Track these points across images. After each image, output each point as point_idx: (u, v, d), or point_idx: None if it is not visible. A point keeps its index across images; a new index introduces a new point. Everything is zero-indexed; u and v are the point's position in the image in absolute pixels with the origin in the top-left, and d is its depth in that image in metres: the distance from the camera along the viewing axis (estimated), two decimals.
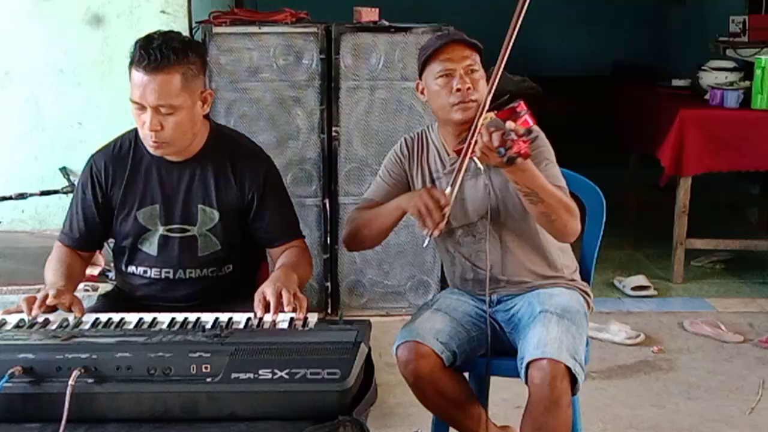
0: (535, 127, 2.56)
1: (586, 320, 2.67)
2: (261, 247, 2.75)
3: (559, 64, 8.66)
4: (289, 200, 2.76)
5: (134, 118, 2.48)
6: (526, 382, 2.44)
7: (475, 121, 2.49)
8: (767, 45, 5.35)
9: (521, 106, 2.47)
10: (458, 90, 2.58)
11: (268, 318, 2.27)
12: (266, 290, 2.35)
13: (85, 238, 2.66)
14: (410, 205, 2.51)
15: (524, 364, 2.43)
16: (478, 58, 2.64)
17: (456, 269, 2.79)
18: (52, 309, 2.33)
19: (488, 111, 2.55)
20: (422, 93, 2.71)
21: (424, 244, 2.59)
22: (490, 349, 2.67)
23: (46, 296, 2.33)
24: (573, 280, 2.77)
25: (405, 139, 2.81)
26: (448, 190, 2.49)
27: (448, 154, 2.70)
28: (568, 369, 2.39)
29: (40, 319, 2.27)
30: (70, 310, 2.33)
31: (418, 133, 2.81)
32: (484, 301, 2.72)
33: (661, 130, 4.97)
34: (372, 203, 2.74)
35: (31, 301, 2.32)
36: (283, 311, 2.28)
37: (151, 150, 2.52)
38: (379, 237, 2.71)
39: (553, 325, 2.49)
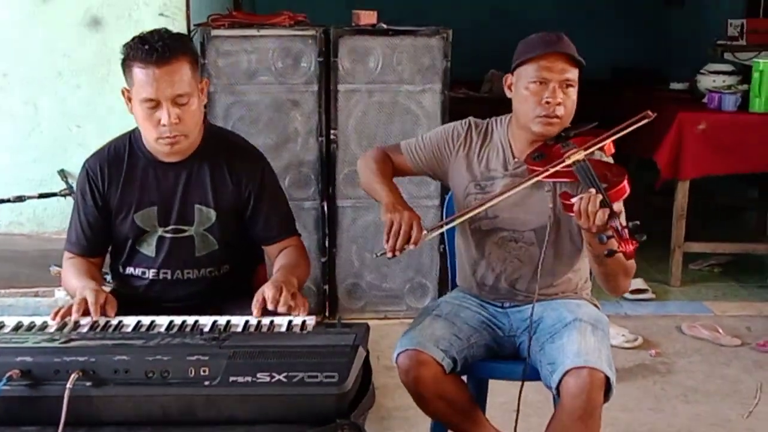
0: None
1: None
2: (258, 245, 2.76)
3: None
4: (285, 198, 2.76)
5: (142, 120, 2.46)
6: (557, 389, 2.40)
7: (566, 155, 2.46)
8: (765, 48, 5.36)
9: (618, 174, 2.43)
10: (547, 102, 2.53)
11: (264, 320, 2.29)
12: (266, 290, 2.37)
13: (92, 243, 2.65)
14: (386, 213, 2.49)
15: (561, 371, 2.38)
16: (576, 73, 2.58)
17: (477, 273, 2.75)
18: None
19: (572, 137, 2.54)
20: (509, 88, 2.65)
21: (374, 255, 2.53)
22: (492, 354, 2.68)
23: (84, 300, 2.34)
24: (587, 296, 2.78)
25: (471, 123, 2.73)
26: (425, 233, 2.45)
27: (514, 157, 2.65)
28: (606, 378, 2.37)
29: (39, 321, 2.27)
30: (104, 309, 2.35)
31: (484, 123, 2.74)
32: (495, 306, 2.73)
33: (659, 134, 4.97)
34: (397, 157, 2.75)
35: (66, 313, 2.32)
36: (280, 311, 2.31)
37: (165, 149, 2.51)
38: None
39: (589, 334, 2.47)
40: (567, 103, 2.56)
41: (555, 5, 8.82)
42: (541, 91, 2.54)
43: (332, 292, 4.47)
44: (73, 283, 2.56)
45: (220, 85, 4.18)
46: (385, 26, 4.32)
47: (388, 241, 2.43)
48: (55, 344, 2.03)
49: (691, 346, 4.23)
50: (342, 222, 4.41)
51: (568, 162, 2.44)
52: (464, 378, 2.68)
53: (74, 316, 2.30)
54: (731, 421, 3.51)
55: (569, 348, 2.42)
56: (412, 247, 2.43)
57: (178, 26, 4.32)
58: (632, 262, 2.47)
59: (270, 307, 2.32)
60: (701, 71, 5.38)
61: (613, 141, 2.55)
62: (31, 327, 2.25)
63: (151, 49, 2.40)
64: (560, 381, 2.39)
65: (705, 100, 5.15)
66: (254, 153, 2.72)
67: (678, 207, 4.97)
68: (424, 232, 2.45)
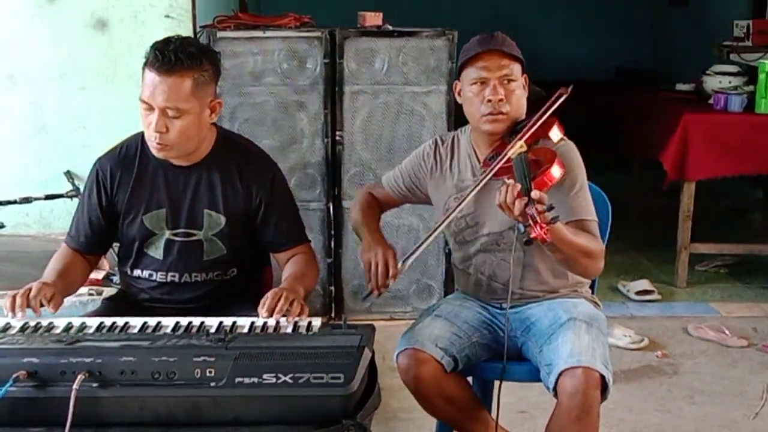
0: (567, 143, 2.58)
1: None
2: (266, 251, 2.76)
3: (562, 68, 8.67)
4: (295, 205, 2.77)
5: (141, 118, 2.49)
6: (554, 389, 2.40)
7: (505, 151, 2.48)
8: None
9: (550, 156, 2.41)
10: (489, 101, 2.56)
11: (270, 322, 2.30)
12: (269, 296, 2.39)
13: (90, 241, 2.67)
14: (363, 255, 2.61)
15: (556, 372, 2.39)
16: (518, 68, 2.60)
17: (471, 276, 2.76)
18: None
19: (518, 131, 2.53)
20: (458, 95, 2.69)
21: (362, 297, 2.62)
22: (494, 355, 2.68)
23: (29, 290, 2.38)
24: (586, 293, 2.77)
25: (437, 142, 2.78)
26: (401, 264, 2.53)
27: (479, 162, 2.67)
28: (602, 377, 2.37)
29: (45, 323, 2.28)
30: (48, 304, 2.39)
31: (450, 137, 2.78)
32: (494, 307, 2.72)
33: (665, 135, 4.97)
34: (381, 192, 2.86)
35: (13, 301, 2.36)
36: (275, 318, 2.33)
37: (153, 151, 2.53)
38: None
39: (584, 333, 2.47)
40: (511, 98, 2.58)
41: (558, 6, 8.83)
42: (482, 91, 2.58)
43: (338, 293, 4.47)
44: (45, 271, 2.59)
45: (226, 86, 4.18)
46: (390, 28, 4.33)
47: (368, 279, 2.55)
48: (62, 345, 2.04)
49: (697, 348, 4.23)
50: (348, 223, 4.40)
51: (509, 156, 2.46)
52: (470, 379, 2.68)
53: (18, 301, 2.35)
54: (738, 423, 3.50)
55: (563, 348, 2.43)
56: (392, 281, 2.55)
57: (184, 28, 4.33)
58: (595, 243, 2.50)
59: (264, 315, 2.33)
60: (707, 72, 5.38)
61: (559, 124, 2.55)
62: (37, 328, 2.25)
63: (161, 56, 2.41)
64: (556, 382, 2.39)
65: (711, 101, 5.14)
66: (265, 159, 2.72)
67: (684, 208, 4.96)
68: (400, 264, 2.54)
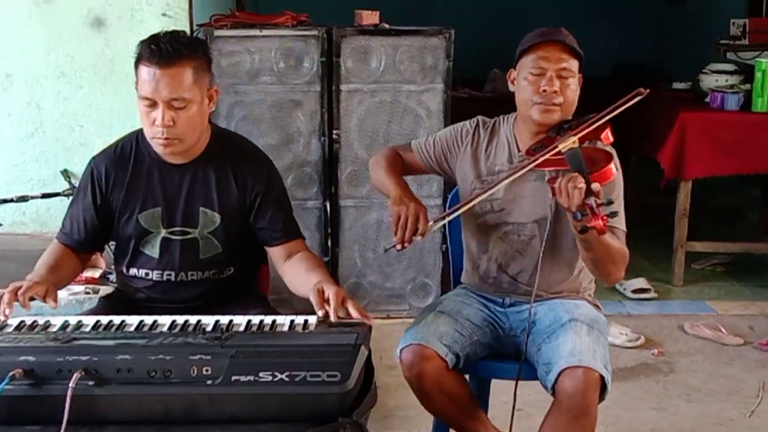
0: (612, 150, 2.59)
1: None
2: (261, 246, 2.75)
3: None
4: (290, 203, 2.76)
5: (142, 117, 2.48)
6: (552, 389, 2.41)
7: (557, 143, 2.48)
8: (767, 48, 5.35)
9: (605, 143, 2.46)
10: (544, 91, 2.56)
11: (266, 320, 2.28)
12: (327, 288, 2.33)
13: (83, 239, 2.66)
14: (393, 206, 2.57)
15: (556, 371, 2.39)
16: (576, 64, 2.62)
17: (481, 267, 2.77)
18: (31, 299, 2.36)
19: (571, 127, 2.54)
20: (512, 82, 2.69)
21: (384, 249, 2.61)
22: (493, 352, 2.69)
23: (18, 288, 2.35)
24: (588, 297, 2.78)
25: (479, 121, 2.79)
26: (431, 223, 2.53)
27: (519, 151, 2.68)
28: (601, 378, 2.38)
29: (41, 321, 2.28)
30: (44, 300, 2.37)
31: (492, 121, 2.78)
32: (496, 303, 2.73)
33: (662, 133, 4.97)
34: (408, 155, 2.83)
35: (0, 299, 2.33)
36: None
37: (159, 149, 2.51)
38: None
39: (585, 334, 2.48)
40: (566, 92, 2.59)
41: (557, 3, 8.81)
42: (538, 81, 2.58)
43: None
44: (35, 267, 2.57)
45: (223, 85, 4.18)
46: (387, 26, 4.33)
47: (396, 233, 2.51)
48: (58, 344, 2.04)
49: (693, 346, 4.23)
50: (344, 222, 4.41)
51: (559, 149, 2.47)
52: (466, 377, 2.69)
53: (6, 297, 2.31)
54: (734, 421, 3.51)
55: (564, 348, 2.43)
56: (419, 238, 2.52)
57: (181, 26, 4.32)
58: (623, 251, 2.54)
59: (332, 313, 2.25)
60: (704, 70, 5.37)
61: (611, 130, 2.56)
62: (33, 326, 2.25)
63: (158, 49, 2.41)
64: (555, 381, 2.39)
65: (707, 99, 5.14)
66: (260, 157, 2.72)
67: (680, 206, 4.97)
68: (430, 223, 2.53)
